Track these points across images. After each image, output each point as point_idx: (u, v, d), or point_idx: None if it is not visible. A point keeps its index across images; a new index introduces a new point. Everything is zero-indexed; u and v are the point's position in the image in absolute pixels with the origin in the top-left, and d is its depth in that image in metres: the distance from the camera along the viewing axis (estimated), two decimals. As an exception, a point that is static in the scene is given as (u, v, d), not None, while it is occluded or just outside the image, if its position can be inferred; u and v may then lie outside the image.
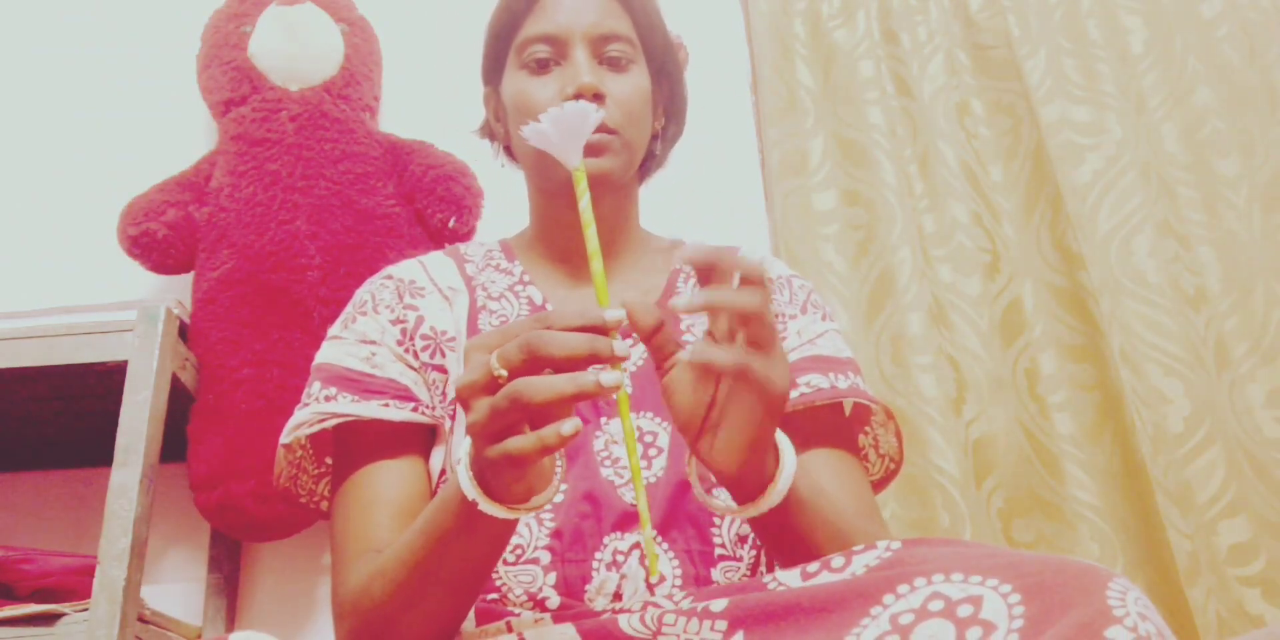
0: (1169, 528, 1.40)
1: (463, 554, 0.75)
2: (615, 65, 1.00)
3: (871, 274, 1.60)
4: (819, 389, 0.96)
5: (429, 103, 1.80)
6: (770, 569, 0.93)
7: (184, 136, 1.77)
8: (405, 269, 1.05)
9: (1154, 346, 1.52)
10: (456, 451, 0.89)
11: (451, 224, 1.57)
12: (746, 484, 0.73)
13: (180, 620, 1.39)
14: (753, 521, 0.78)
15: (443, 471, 0.94)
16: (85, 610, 1.17)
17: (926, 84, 1.72)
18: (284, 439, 0.95)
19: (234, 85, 1.62)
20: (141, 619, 1.24)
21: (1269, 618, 1.38)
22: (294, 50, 1.62)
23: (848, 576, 0.66)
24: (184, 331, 1.43)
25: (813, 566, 0.68)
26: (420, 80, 1.82)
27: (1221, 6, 1.74)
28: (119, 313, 1.36)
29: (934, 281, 1.59)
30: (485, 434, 0.65)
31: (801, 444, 0.95)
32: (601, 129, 0.96)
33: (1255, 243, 1.59)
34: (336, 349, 0.98)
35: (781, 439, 0.75)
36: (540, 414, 0.64)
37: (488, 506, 0.69)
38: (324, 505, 1.02)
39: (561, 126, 0.71)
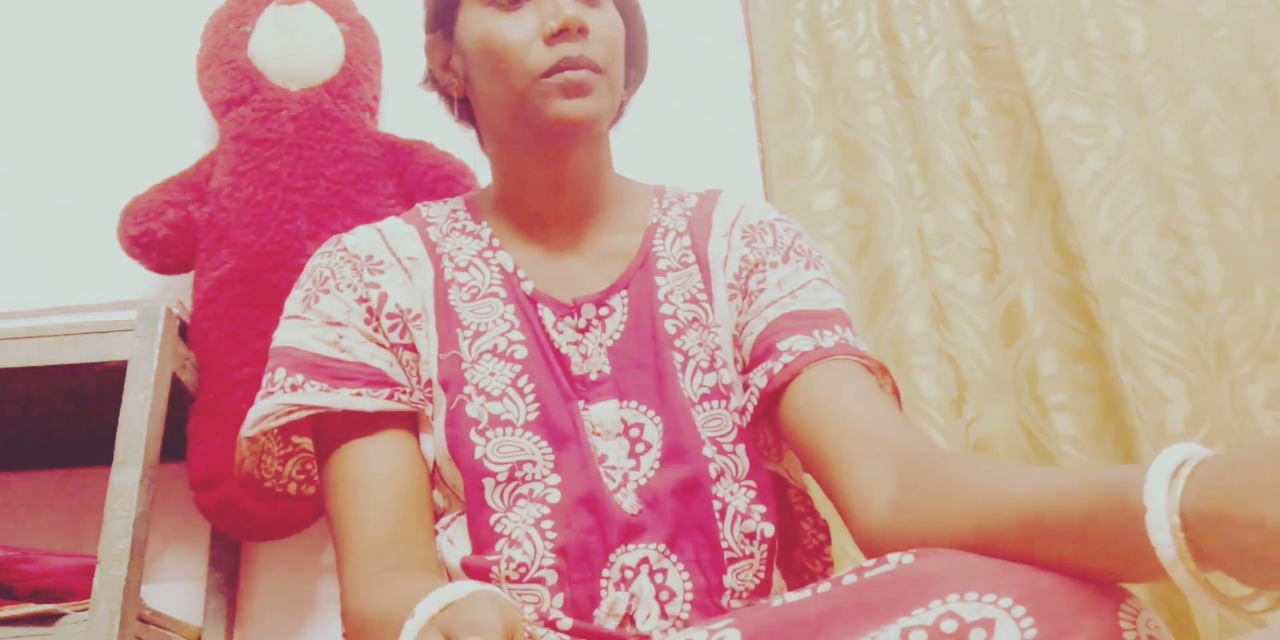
0: (1169, 528, 1.40)
1: None
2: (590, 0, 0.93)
3: (871, 274, 1.60)
4: (803, 354, 0.88)
5: (429, 103, 1.79)
6: (781, 566, 0.92)
7: (184, 136, 1.76)
8: (361, 241, 0.97)
9: (1154, 347, 1.52)
10: None
11: (451, 224, 1.57)
12: None
13: (180, 620, 1.40)
14: None
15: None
16: (85, 610, 1.17)
17: (926, 84, 1.72)
18: (247, 432, 0.89)
19: (234, 85, 1.62)
20: (141, 619, 1.24)
21: (1269, 618, 1.38)
22: (294, 50, 1.62)
23: (860, 592, 0.64)
24: (184, 331, 1.43)
25: (824, 586, 0.66)
26: (420, 80, 1.81)
27: (1221, 6, 1.74)
28: (119, 313, 1.36)
29: (934, 281, 1.59)
30: None
31: (800, 409, 0.87)
32: (587, 66, 0.89)
33: (1256, 243, 1.59)
34: (300, 331, 0.91)
35: None
36: None
37: None
38: (291, 487, 0.97)
39: None
